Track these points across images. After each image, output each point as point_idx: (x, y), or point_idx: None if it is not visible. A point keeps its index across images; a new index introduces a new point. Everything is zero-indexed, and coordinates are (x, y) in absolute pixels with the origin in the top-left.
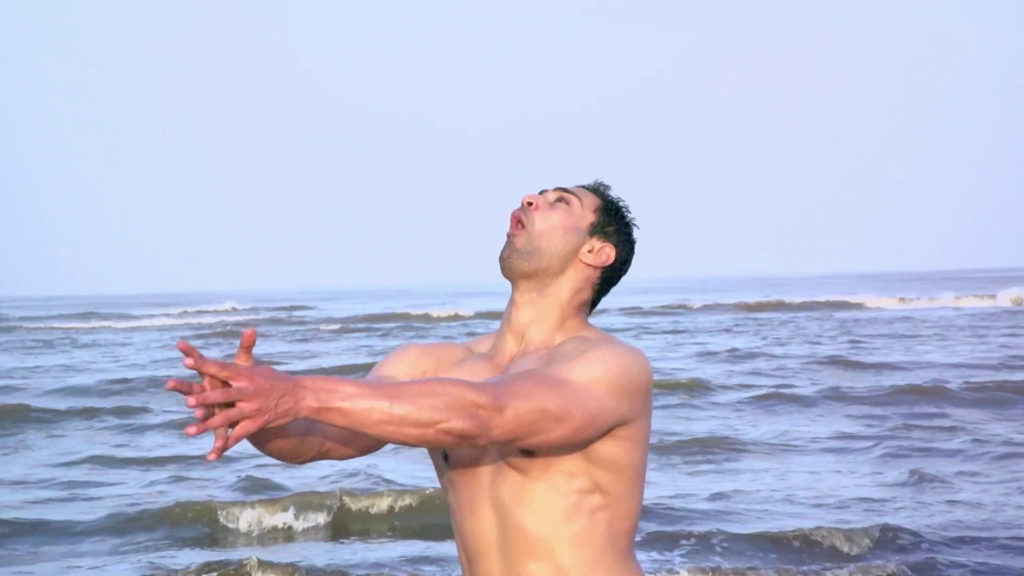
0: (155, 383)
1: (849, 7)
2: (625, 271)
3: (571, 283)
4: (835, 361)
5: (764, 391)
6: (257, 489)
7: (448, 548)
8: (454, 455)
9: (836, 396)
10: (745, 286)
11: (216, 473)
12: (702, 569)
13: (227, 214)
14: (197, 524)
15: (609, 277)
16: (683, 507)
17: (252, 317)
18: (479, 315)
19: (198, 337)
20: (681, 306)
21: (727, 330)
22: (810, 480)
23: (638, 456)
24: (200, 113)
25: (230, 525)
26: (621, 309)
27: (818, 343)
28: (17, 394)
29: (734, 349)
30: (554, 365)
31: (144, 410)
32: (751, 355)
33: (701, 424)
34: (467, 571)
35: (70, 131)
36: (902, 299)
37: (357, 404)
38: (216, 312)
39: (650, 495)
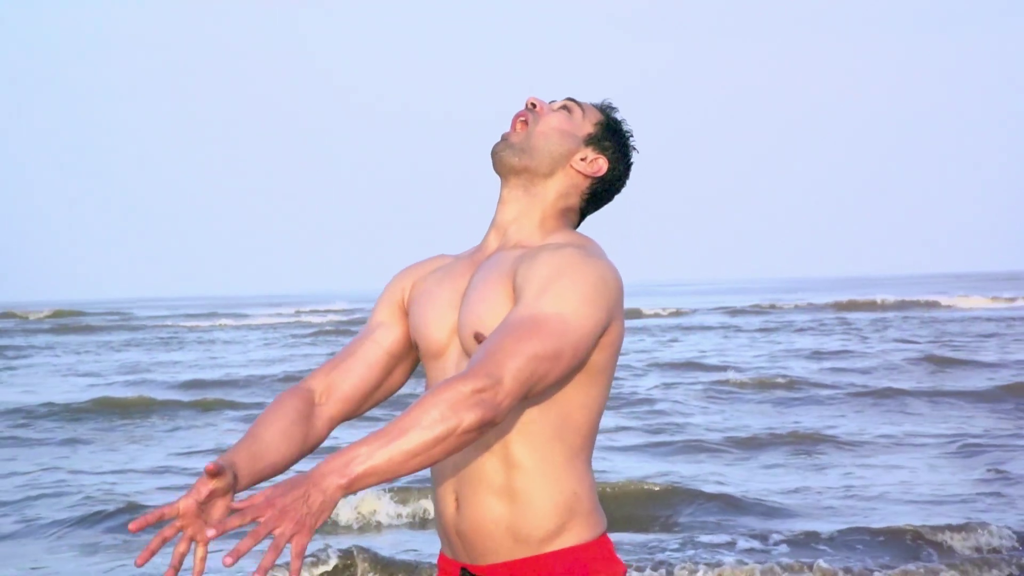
0: (265, 379)
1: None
2: (617, 189)
3: (558, 187)
4: (929, 359)
5: (858, 389)
6: None
7: None
8: (423, 348)
9: (932, 393)
10: (833, 286)
11: None
12: (807, 564)
13: (343, 219)
14: None
15: (598, 191)
16: (778, 502)
17: (359, 316)
18: None
19: (308, 335)
20: (772, 305)
21: (819, 329)
22: (905, 477)
23: (604, 356)
24: (316, 122)
25: (333, 515)
26: (712, 308)
27: (911, 341)
28: (144, 387)
29: (826, 348)
30: (526, 294)
31: (260, 404)
32: (843, 353)
33: (796, 420)
34: None
35: (201, 145)
36: (994, 298)
37: (377, 460)
38: (326, 311)
39: (749, 489)
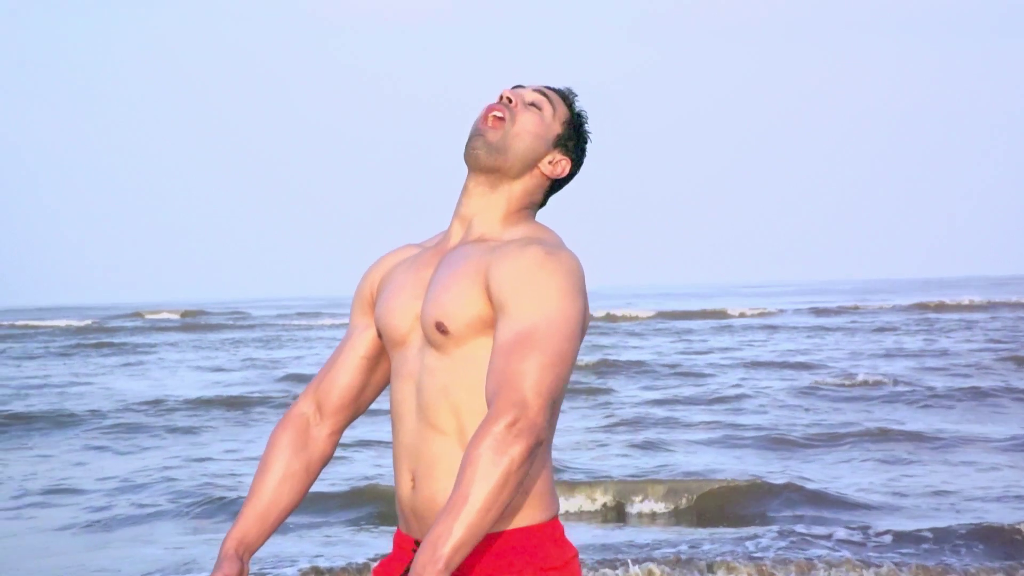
0: None
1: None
2: (570, 181)
3: (524, 187)
4: (1016, 359)
5: (946, 388)
6: (669, 473)
7: (701, 534)
8: (386, 336)
9: (1021, 392)
10: (915, 288)
11: None
12: (906, 565)
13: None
14: None
15: (557, 186)
16: (867, 499)
17: None
18: (660, 314)
19: None
20: (855, 307)
21: (905, 329)
22: (994, 475)
23: None
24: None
25: None
26: (798, 310)
27: (1000, 342)
28: (257, 385)
29: (914, 348)
30: (508, 307)
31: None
32: (930, 353)
33: (884, 418)
34: (393, 432)
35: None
36: None
37: (458, 533)
38: None
39: (837, 486)
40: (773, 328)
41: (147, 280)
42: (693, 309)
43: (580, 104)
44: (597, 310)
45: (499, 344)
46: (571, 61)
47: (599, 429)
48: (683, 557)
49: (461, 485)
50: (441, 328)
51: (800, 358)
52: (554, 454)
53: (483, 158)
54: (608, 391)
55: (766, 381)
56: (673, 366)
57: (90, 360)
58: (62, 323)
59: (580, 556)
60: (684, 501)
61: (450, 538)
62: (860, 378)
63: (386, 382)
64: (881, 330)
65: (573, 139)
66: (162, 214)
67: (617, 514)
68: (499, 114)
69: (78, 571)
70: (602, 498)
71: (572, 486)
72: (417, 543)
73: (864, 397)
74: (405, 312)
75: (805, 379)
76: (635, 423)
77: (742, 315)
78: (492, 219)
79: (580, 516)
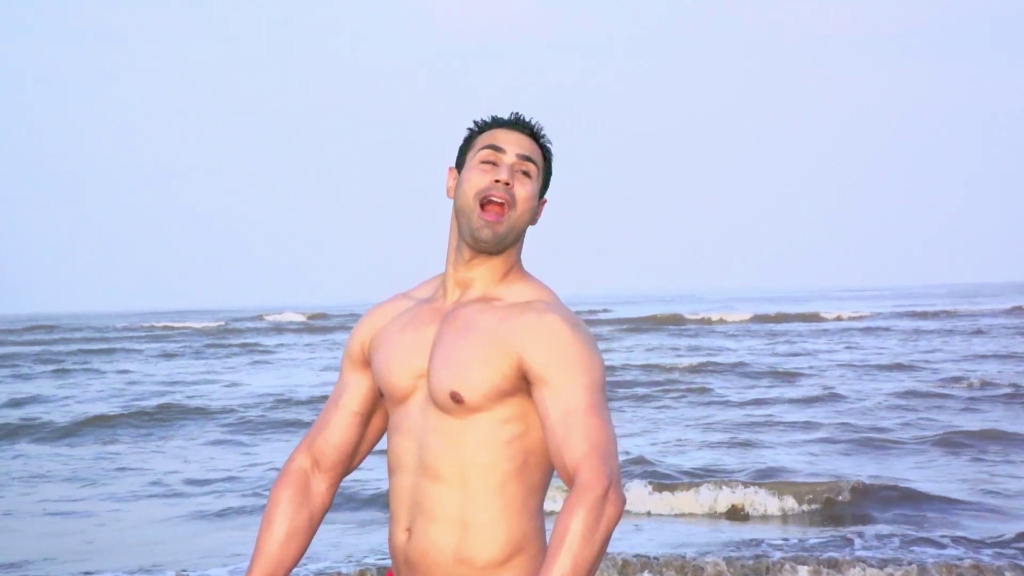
0: None
1: None
2: None
3: (519, 242)
4: None
5: None
6: (771, 474)
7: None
8: (387, 393)
9: None
10: (1013, 290)
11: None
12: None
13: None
14: None
15: None
16: (966, 501)
17: None
18: (756, 318)
19: None
20: (953, 311)
21: (999, 332)
22: None
23: None
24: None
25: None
26: (895, 313)
27: None
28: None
29: (1010, 350)
30: (557, 382)
31: None
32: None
33: (986, 420)
34: (391, 483)
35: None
36: None
37: None
38: None
39: (943, 488)
40: (870, 331)
41: (270, 284)
42: (789, 312)
43: (543, 135)
44: (694, 313)
45: (560, 417)
46: (580, 58)
47: (697, 429)
48: (788, 555)
49: (562, 554)
50: (456, 398)
51: (898, 360)
52: (654, 455)
53: (493, 248)
54: (707, 390)
55: (864, 383)
56: (770, 368)
57: (222, 359)
58: (197, 324)
59: (702, 555)
60: (791, 502)
61: None
62: (959, 380)
63: (381, 434)
64: (979, 333)
65: (548, 177)
66: (288, 223)
67: (726, 514)
68: (500, 200)
69: (220, 554)
70: (704, 499)
71: (674, 486)
72: None
73: (962, 398)
74: (405, 370)
75: (903, 381)
76: (733, 424)
77: (838, 318)
78: (493, 279)
79: (690, 516)
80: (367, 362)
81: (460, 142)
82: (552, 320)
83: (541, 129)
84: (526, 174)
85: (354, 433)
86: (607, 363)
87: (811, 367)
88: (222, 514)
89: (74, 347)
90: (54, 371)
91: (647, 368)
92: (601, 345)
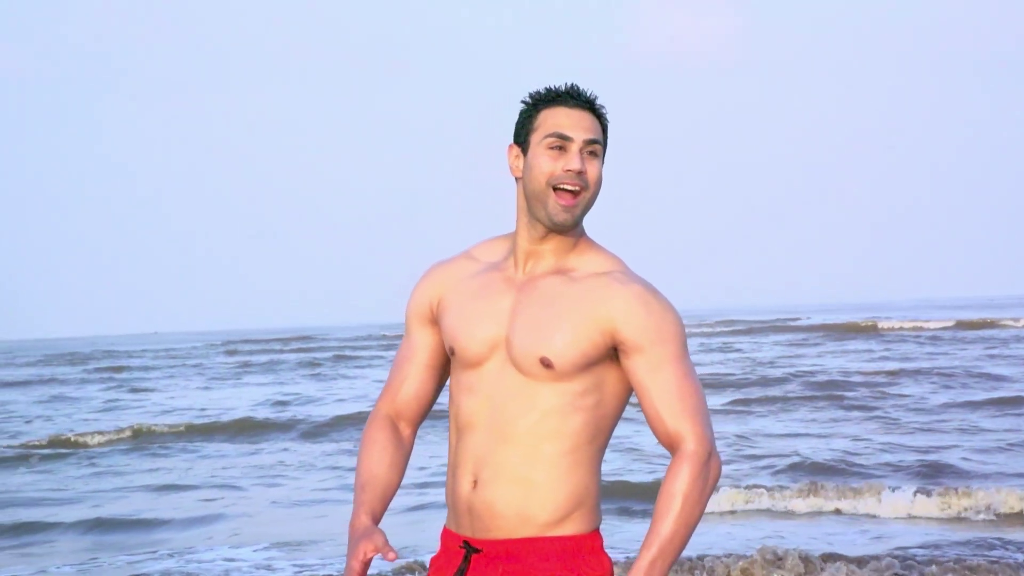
0: None
1: None
2: None
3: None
4: None
5: None
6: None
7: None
8: (460, 356)
9: None
10: None
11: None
12: None
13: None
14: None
15: None
16: None
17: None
18: (960, 324)
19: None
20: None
21: None
22: None
23: None
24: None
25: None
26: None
27: None
28: None
29: None
30: (652, 352)
31: None
32: None
33: None
34: (453, 441)
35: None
36: None
37: (674, 549)
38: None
39: None
40: None
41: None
42: (994, 318)
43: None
44: (896, 321)
45: (659, 384)
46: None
47: (894, 432)
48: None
49: (673, 515)
50: (546, 363)
51: None
52: (849, 456)
53: (570, 229)
54: (903, 396)
55: None
56: (977, 373)
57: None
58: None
59: (912, 556)
60: (996, 506)
61: (670, 552)
62: None
63: (445, 382)
64: None
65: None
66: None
67: (927, 517)
68: (575, 188)
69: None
70: (900, 502)
71: (878, 489)
72: (465, 541)
73: None
74: (483, 339)
75: None
76: (927, 428)
77: None
78: (564, 251)
79: (885, 519)
80: (435, 320)
81: (517, 117)
82: (638, 290)
83: (597, 99)
84: (593, 154)
85: (432, 385)
86: (835, 369)
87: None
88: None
89: (329, 354)
90: (311, 375)
91: (864, 374)
92: (809, 350)
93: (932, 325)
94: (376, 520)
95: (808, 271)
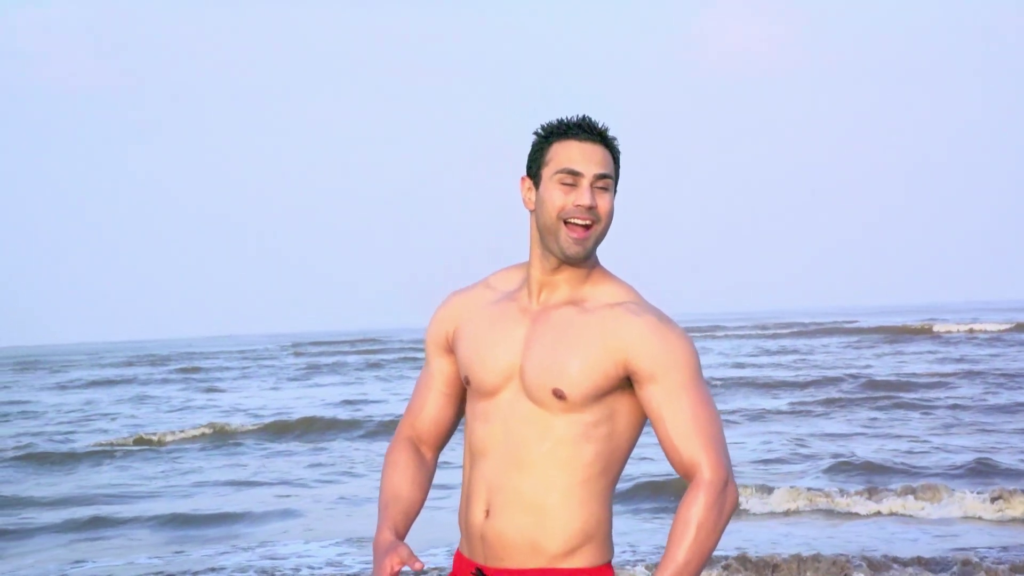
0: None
1: None
2: None
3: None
4: None
5: None
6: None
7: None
8: (475, 386)
9: None
10: None
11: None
12: None
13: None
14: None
15: None
16: None
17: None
18: (1020, 326)
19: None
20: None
21: None
22: None
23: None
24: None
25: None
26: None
27: None
28: None
29: None
30: (666, 381)
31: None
32: None
33: None
34: (467, 466)
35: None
36: None
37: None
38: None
39: None
40: None
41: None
42: None
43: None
44: (952, 324)
45: (674, 413)
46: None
47: (952, 433)
48: None
49: (687, 544)
50: (559, 395)
51: None
52: (907, 456)
53: (583, 262)
54: (960, 397)
55: None
56: None
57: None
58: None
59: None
60: None
61: None
62: None
63: (463, 408)
64: None
65: (618, 177)
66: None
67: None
68: (587, 223)
69: None
70: (960, 503)
71: (935, 490)
72: (479, 568)
73: None
74: (497, 369)
75: None
76: (985, 429)
77: None
78: (578, 281)
79: (948, 520)
80: (451, 349)
81: (529, 149)
82: (650, 319)
83: (608, 130)
84: (604, 188)
85: (450, 412)
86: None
87: None
88: None
89: (393, 356)
90: (376, 376)
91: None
92: (869, 351)
93: (989, 327)
94: (400, 536)
95: (863, 274)
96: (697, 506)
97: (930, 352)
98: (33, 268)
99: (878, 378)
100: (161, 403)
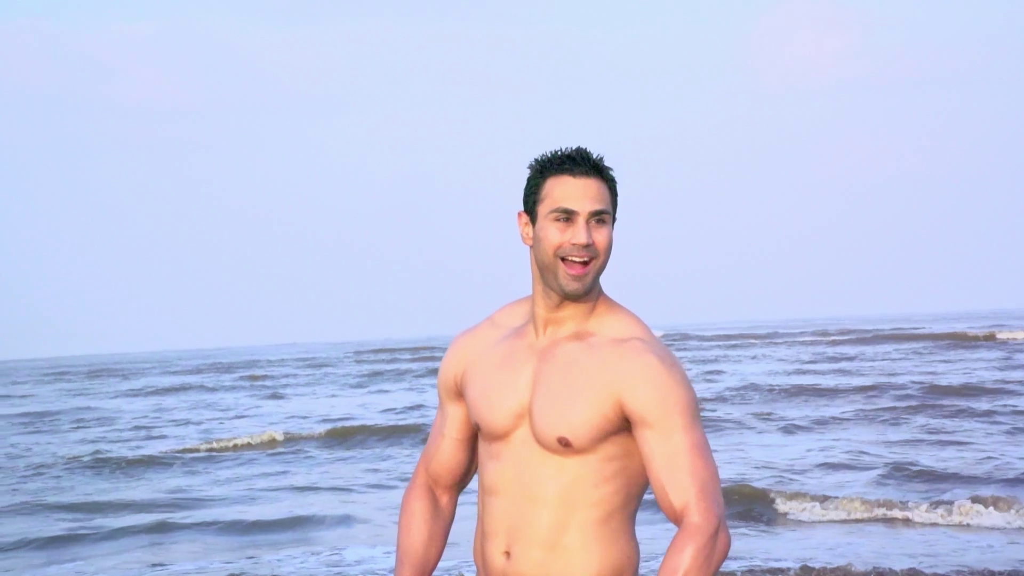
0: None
1: None
2: None
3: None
4: None
5: None
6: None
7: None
8: (486, 429)
9: None
10: None
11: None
12: None
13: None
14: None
15: None
16: None
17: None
18: None
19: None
20: None
21: None
22: None
23: None
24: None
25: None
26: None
27: None
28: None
29: None
30: (664, 425)
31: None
32: None
33: None
34: (481, 504)
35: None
36: None
37: None
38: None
39: None
40: None
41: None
42: None
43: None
44: (1017, 332)
45: (666, 459)
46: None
47: (1016, 442)
48: None
49: None
50: (564, 443)
51: None
52: (974, 466)
53: (583, 297)
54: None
55: None
56: None
57: None
58: None
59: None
60: None
61: None
62: None
63: (477, 449)
64: None
65: (616, 206)
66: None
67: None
68: (584, 260)
69: None
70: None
71: (1006, 501)
72: None
73: None
74: (507, 412)
75: None
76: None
77: None
78: (583, 316)
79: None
80: (460, 394)
81: (524, 183)
82: (650, 361)
83: (603, 161)
84: (601, 222)
85: (463, 456)
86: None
87: None
88: None
89: None
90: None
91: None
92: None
93: None
94: None
95: (926, 280)
96: (685, 554)
97: (994, 359)
98: (107, 279)
99: (941, 384)
100: (228, 409)
